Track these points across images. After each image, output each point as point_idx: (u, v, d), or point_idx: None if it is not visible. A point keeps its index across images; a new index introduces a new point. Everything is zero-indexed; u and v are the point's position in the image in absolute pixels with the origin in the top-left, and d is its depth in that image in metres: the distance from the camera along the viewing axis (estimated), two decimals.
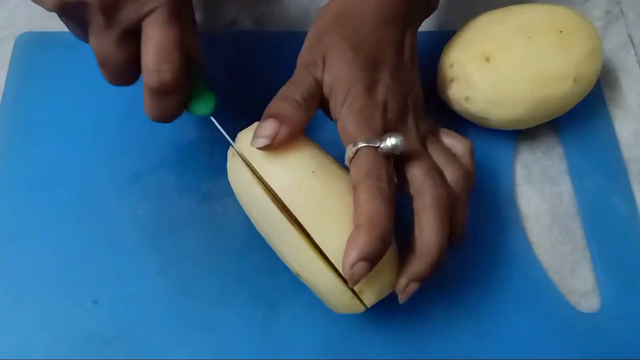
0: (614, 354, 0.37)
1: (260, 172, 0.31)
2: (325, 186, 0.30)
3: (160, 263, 0.38)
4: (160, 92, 0.31)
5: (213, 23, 0.46)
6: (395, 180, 0.31)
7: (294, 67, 0.34)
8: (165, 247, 0.38)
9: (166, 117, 0.34)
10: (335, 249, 0.29)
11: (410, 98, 0.34)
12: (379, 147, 0.29)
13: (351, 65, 0.32)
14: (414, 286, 0.31)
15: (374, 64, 0.32)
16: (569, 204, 0.41)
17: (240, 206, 0.38)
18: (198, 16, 0.47)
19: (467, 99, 0.39)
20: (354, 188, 0.29)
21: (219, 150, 0.41)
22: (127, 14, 0.30)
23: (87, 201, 0.39)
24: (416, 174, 0.31)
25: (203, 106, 0.36)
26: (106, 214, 0.39)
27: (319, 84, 0.32)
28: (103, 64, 0.32)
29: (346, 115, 0.31)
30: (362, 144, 0.29)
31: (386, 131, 0.31)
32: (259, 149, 0.30)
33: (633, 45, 0.48)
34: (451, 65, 0.39)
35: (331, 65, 0.32)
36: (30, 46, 0.44)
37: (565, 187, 0.42)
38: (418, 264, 0.30)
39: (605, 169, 0.42)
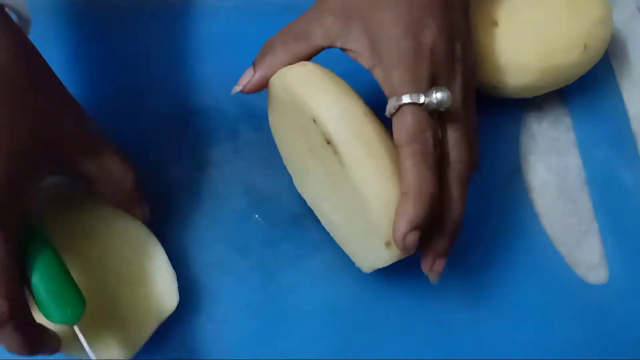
0: (621, 326, 0.36)
1: (311, 103, 0.29)
2: (374, 129, 0.29)
3: (157, 231, 0.36)
4: None
5: None
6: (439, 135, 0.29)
7: None
8: (161, 215, 0.37)
9: (23, 349, 0.26)
10: (375, 194, 0.28)
11: (460, 44, 0.30)
12: (423, 103, 0.27)
13: (389, 5, 0.29)
14: (441, 263, 0.31)
15: (418, 4, 0.29)
16: (577, 176, 0.40)
17: (239, 173, 0.38)
18: None
19: (475, 65, 0.38)
20: (398, 148, 0.28)
21: (216, 116, 0.40)
22: None
23: None
24: (452, 140, 0.30)
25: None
26: None
27: (318, 48, 0.31)
28: None
29: (387, 61, 0.28)
30: (405, 100, 0.27)
31: (433, 80, 0.29)
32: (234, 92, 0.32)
33: None
34: None
35: (362, 12, 0.29)
36: None
37: (572, 159, 0.41)
38: (443, 240, 0.30)
39: (613, 140, 0.41)
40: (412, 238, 0.27)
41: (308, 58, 0.31)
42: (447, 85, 0.29)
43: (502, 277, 0.37)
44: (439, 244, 0.30)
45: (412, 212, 0.26)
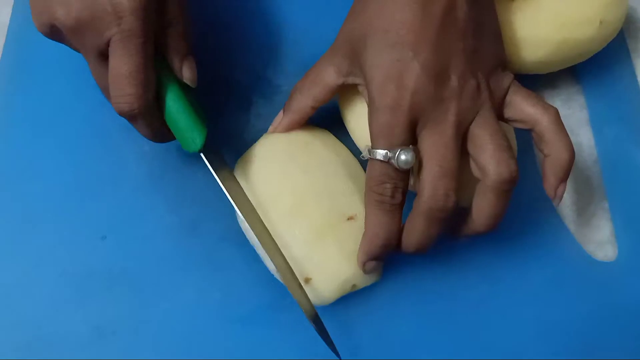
0: (629, 302, 0.36)
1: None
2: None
3: (168, 201, 0.37)
4: (127, 118, 0.31)
5: None
6: (411, 182, 0.31)
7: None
8: (173, 186, 0.37)
9: (151, 138, 0.33)
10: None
11: (474, 63, 0.30)
12: (389, 161, 0.29)
13: (376, 44, 0.30)
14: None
15: (404, 40, 0.29)
16: (588, 154, 0.40)
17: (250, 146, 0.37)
18: None
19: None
20: (365, 189, 0.31)
21: (231, 86, 0.40)
22: (92, 41, 0.29)
23: (93, 136, 0.38)
24: (487, 155, 0.30)
25: (189, 142, 0.32)
26: (111, 150, 0.38)
27: (333, 86, 0.33)
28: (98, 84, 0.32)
29: (372, 105, 0.30)
30: (374, 156, 0.29)
31: (413, 125, 0.29)
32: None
33: None
34: None
35: (359, 51, 0.31)
36: None
37: (585, 137, 0.41)
38: (465, 231, 0.33)
39: (625, 119, 0.41)
40: (370, 266, 0.32)
41: (328, 97, 0.33)
42: (437, 120, 0.29)
43: (511, 253, 0.37)
44: (464, 232, 0.33)
45: (367, 248, 0.31)
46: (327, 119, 0.36)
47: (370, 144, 0.30)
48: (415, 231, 0.31)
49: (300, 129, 0.36)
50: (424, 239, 0.31)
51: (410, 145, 0.30)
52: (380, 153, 0.29)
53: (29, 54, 0.40)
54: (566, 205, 0.39)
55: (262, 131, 0.38)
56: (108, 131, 0.38)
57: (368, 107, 0.30)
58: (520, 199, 0.38)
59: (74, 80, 0.39)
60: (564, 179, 0.32)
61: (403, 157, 0.29)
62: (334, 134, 0.37)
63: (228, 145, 0.38)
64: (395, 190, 0.30)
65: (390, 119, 0.29)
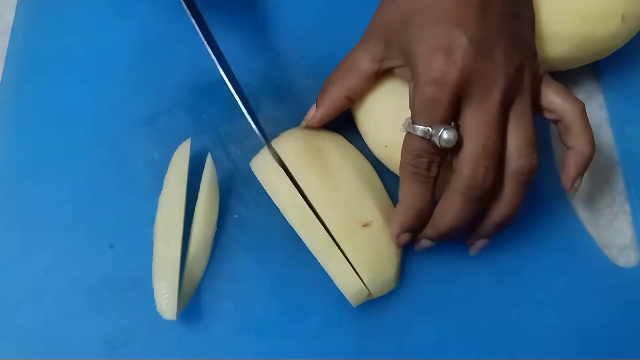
0: None
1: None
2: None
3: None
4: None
5: None
6: (449, 158, 0.31)
7: None
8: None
9: None
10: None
11: (516, 43, 0.30)
12: (431, 138, 0.29)
13: (419, 21, 0.29)
14: (482, 242, 0.33)
15: (449, 17, 0.29)
16: (609, 155, 0.39)
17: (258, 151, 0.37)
18: None
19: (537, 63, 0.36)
20: (400, 160, 0.30)
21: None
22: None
23: (101, 143, 0.37)
24: (516, 144, 0.30)
25: None
26: (121, 157, 0.37)
27: (367, 73, 0.32)
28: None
29: (416, 80, 0.29)
30: (416, 132, 0.29)
31: (457, 102, 0.29)
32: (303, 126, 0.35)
33: None
34: None
35: (398, 30, 0.30)
36: None
37: (605, 137, 0.40)
38: (487, 227, 0.32)
39: None
40: (404, 238, 0.32)
41: (363, 87, 0.33)
42: (483, 98, 0.29)
43: (532, 257, 0.36)
44: (483, 229, 0.32)
45: (401, 219, 0.31)
46: (340, 123, 0.35)
47: (409, 117, 0.30)
48: (450, 210, 0.30)
49: (312, 133, 0.35)
50: (458, 219, 0.30)
51: (452, 123, 0.29)
52: (422, 129, 0.28)
53: (33, 58, 0.39)
54: (587, 208, 0.38)
55: (271, 133, 0.37)
56: (116, 136, 0.38)
57: (412, 82, 0.30)
58: (539, 201, 0.37)
59: (80, 84, 0.39)
60: (582, 173, 0.32)
61: (446, 135, 0.28)
62: (346, 138, 0.36)
63: (240, 148, 0.37)
64: (431, 164, 0.30)
65: (435, 94, 0.28)
